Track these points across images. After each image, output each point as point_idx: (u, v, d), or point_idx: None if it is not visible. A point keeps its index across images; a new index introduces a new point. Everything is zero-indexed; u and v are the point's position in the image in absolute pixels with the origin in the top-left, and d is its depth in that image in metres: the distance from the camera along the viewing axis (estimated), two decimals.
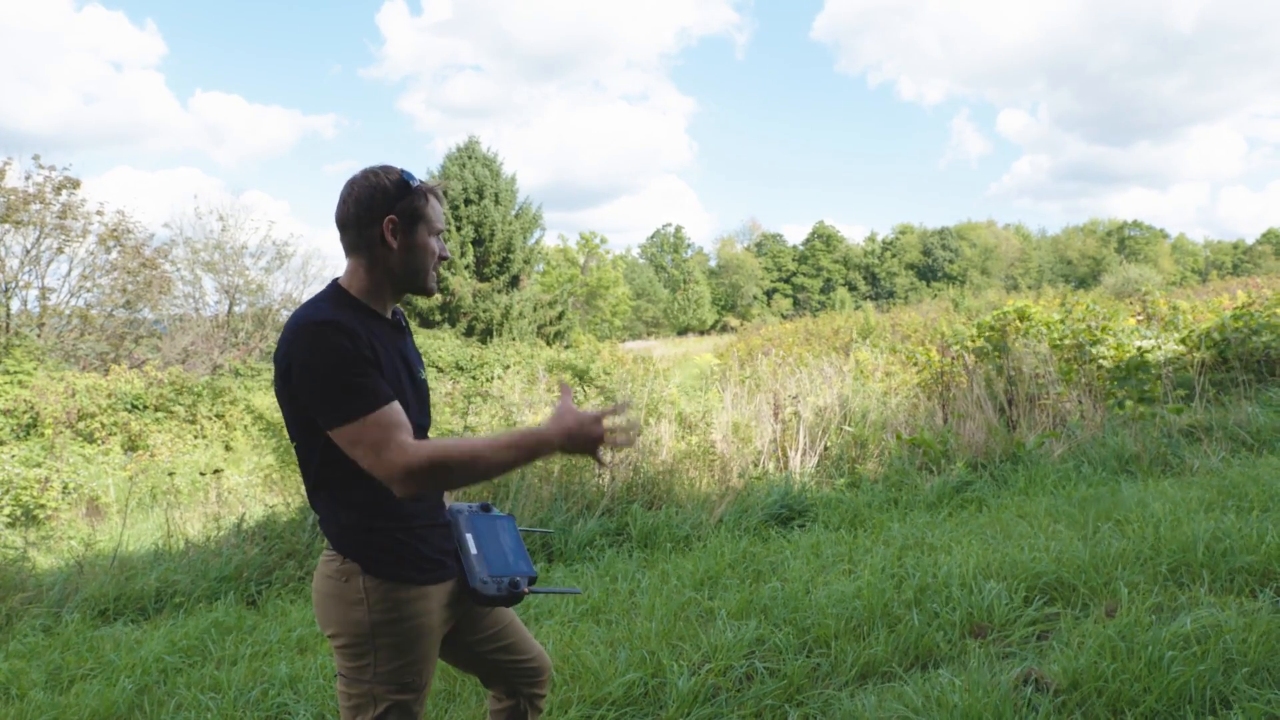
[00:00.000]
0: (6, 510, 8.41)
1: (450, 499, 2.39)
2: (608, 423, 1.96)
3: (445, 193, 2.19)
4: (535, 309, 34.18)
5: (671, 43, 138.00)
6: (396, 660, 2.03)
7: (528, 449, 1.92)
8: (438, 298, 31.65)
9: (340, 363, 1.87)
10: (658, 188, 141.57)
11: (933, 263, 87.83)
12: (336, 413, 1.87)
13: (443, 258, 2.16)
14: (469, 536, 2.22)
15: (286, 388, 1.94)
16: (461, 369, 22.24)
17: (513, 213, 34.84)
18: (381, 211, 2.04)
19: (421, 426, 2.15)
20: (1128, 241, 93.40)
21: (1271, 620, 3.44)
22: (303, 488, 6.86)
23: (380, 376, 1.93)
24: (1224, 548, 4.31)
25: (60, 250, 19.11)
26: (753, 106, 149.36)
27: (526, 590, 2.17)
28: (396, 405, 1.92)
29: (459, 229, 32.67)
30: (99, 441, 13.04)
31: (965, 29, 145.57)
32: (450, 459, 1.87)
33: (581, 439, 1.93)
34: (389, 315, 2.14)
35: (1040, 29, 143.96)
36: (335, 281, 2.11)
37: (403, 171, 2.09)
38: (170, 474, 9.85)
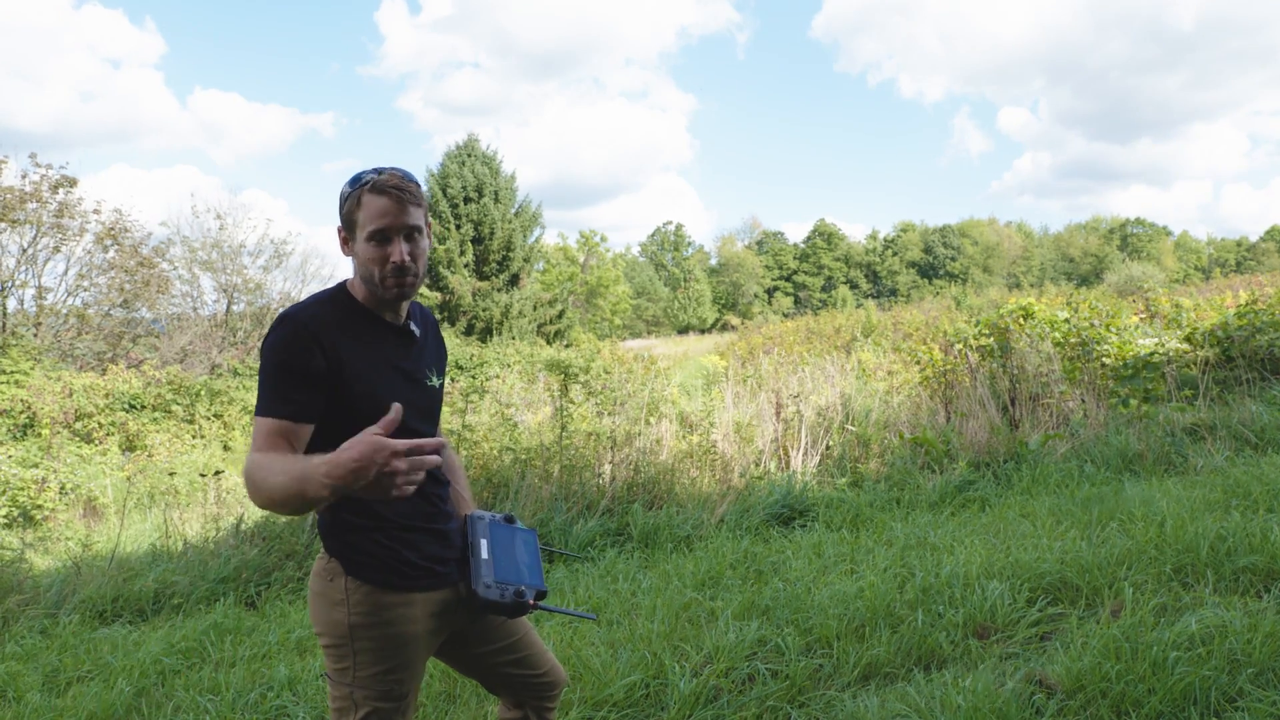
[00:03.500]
0: (3, 511, 8.38)
1: (472, 506, 2.36)
2: (403, 464, 1.62)
3: (395, 186, 1.98)
4: (535, 308, 34.20)
5: (672, 42, 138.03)
6: (376, 666, 2.01)
7: (294, 476, 1.68)
8: (436, 296, 31.65)
9: (278, 361, 1.91)
10: (658, 186, 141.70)
11: (934, 261, 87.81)
12: (258, 402, 1.93)
13: (393, 262, 1.97)
14: (483, 541, 2.20)
15: None
16: (461, 368, 22.23)
17: (512, 211, 34.86)
18: (340, 223, 2.06)
19: (418, 432, 2.12)
20: (1130, 239, 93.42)
21: (1277, 620, 3.41)
22: None
23: (308, 391, 1.91)
24: (1228, 547, 4.29)
25: (57, 249, 19.05)
26: (754, 105, 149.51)
27: (532, 603, 2.13)
28: (290, 427, 1.88)
29: (458, 227, 32.66)
30: (96, 441, 13.01)
31: (964, 27, 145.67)
32: (249, 476, 1.79)
33: (361, 472, 1.60)
34: (397, 320, 2.10)
35: (1039, 27, 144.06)
36: (343, 282, 2.12)
37: (357, 175, 2.02)
38: (170, 474, 9.82)
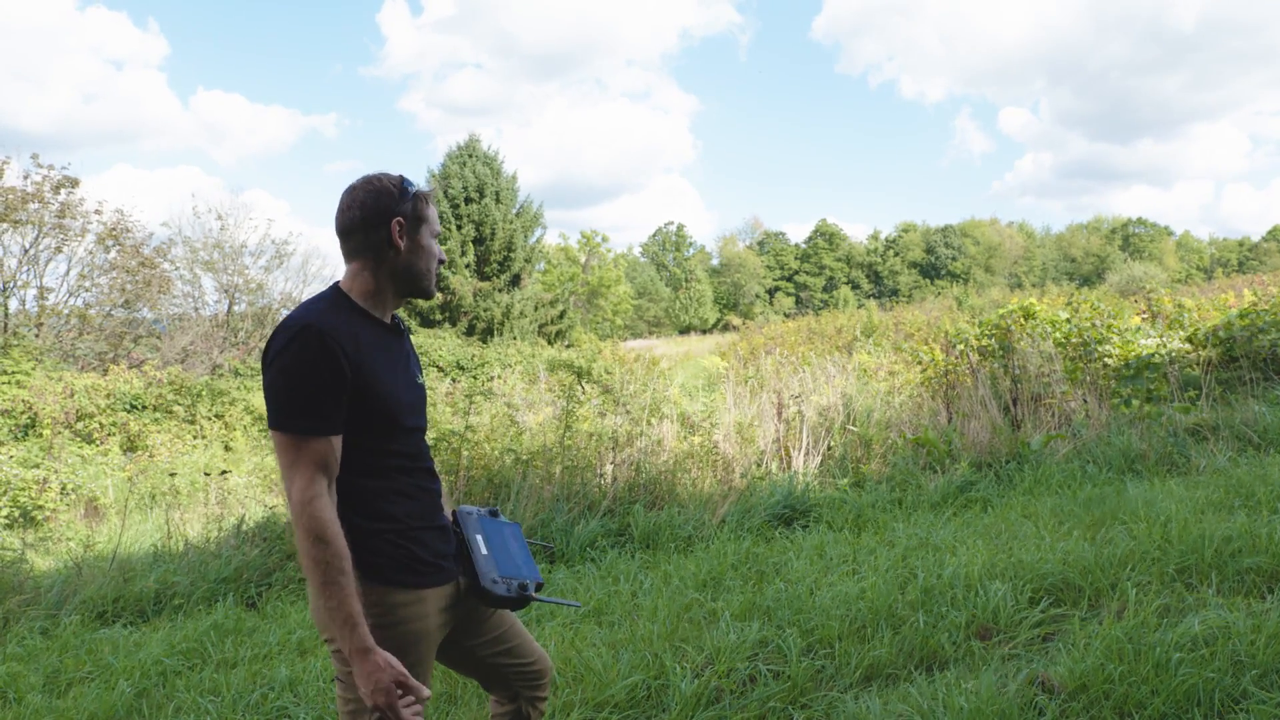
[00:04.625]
0: (4, 511, 8.37)
1: (451, 502, 2.39)
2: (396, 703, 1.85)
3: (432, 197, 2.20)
4: (536, 308, 34.16)
5: (674, 43, 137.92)
6: None
7: (341, 620, 1.85)
8: (438, 297, 31.64)
9: (307, 373, 1.90)
10: (660, 186, 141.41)
11: (936, 261, 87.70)
12: (278, 416, 1.91)
13: (440, 261, 2.19)
14: (479, 537, 2.22)
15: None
16: (462, 368, 22.21)
17: (514, 211, 34.82)
18: (389, 214, 2.08)
19: (418, 429, 2.17)
20: (1132, 239, 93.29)
21: None
22: None
23: (339, 402, 1.93)
24: (1232, 548, 4.28)
25: (58, 249, 19.00)
26: (755, 105, 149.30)
27: (534, 595, 2.17)
28: (333, 442, 1.93)
29: (459, 228, 32.65)
30: (97, 442, 12.99)
31: (965, 28, 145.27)
32: (316, 547, 1.85)
33: (371, 680, 1.84)
34: (388, 320, 2.15)
35: (1040, 28, 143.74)
36: (336, 285, 2.12)
37: (402, 177, 2.14)
38: (171, 475, 9.81)
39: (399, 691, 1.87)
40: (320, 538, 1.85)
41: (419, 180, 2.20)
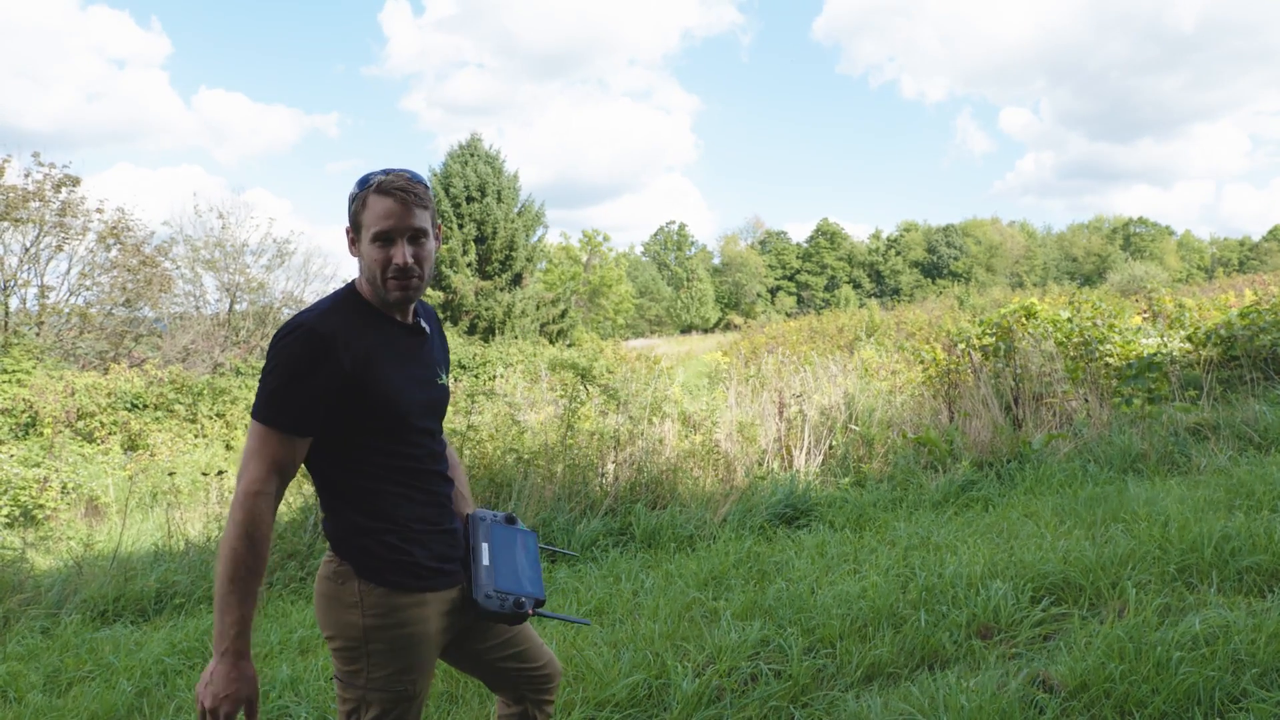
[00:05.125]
0: (5, 510, 8.37)
1: (474, 505, 2.36)
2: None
3: (400, 187, 1.98)
4: (538, 307, 34.18)
5: (676, 43, 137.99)
6: (390, 666, 2.00)
7: (233, 618, 1.83)
8: (439, 295, 31.63)
9: (293, 372, 1.90)
10: (661, 185, 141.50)
11: (937, 260, 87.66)
12: (257, 403, 1.92)
13: (396, 264, 1.97)
14: (484, 546, 2.18)
15: None
16: (464, 367, 22.22)
17: (515, 210, 34.84)
18: (348, 224, 2.07)
19: (429, 431, 2.13)
20: (1133, 239, 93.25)
21: None
22: (303, 487, 6.83)
23: (318, 406, 1.92)
24: (1232, 548, 4.27)
25: (59, 248, 19.05)
26: (757, 106, 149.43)
27: (531, 612, 2.12)
28: (298, 445, 1.94)
29: (461, 226, 32.66)
30: (98, 441, 13.00)
31: (965, 28, 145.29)
32: (244, 544, 1.84)
33: (227, 685, 1.83)
34: (407, 318, 2.11)
35: (1040, 27, 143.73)
36: (350, 283, 2.11)
37: (365, 177, 2.04)
38: (170, 474, 9.82)
39: (241, 712, 1.86)
40: (252, 536, 1.84)
41: (426, 174, 2.11)
